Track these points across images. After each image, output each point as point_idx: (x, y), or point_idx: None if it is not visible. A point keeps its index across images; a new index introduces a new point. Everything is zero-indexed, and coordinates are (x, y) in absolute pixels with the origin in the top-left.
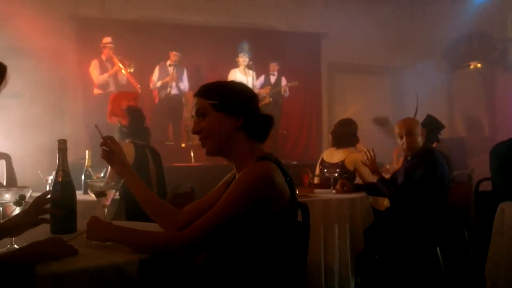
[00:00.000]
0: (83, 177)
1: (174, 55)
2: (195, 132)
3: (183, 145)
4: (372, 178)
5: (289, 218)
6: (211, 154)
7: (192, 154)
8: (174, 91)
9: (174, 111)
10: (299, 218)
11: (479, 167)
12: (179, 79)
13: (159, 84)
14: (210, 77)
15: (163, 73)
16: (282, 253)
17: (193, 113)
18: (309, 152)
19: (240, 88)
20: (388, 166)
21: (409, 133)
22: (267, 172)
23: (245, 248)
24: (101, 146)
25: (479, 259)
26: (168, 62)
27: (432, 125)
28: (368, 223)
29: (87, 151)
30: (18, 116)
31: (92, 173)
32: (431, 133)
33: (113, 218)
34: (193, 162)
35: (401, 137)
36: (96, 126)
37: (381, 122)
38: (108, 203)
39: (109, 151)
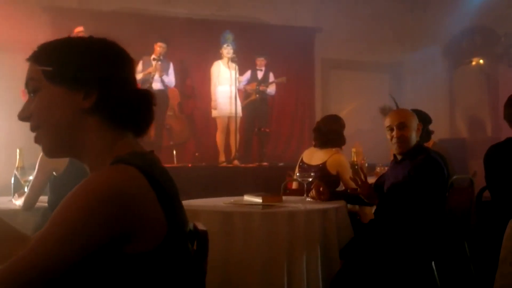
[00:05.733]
0: (12, 180)
1: (159, 47)
2: (21, 117)
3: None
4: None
5: (165, 258)
6: (51, 154)
7: (174, 153)
8: (158, 85)
9: (157, 108)
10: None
11: (482, 170)
12: (163, 72)
13: (140, 76)
14: (196, 72)
15: (147, 68)
16: None
17: (24, 87)
18: (301, 153)
19: (92, 47)
20: (378, 170)
21: (402, 126)
22: (116, 187)
23: None
24: None
25: (481, 277)
26: (153, 56)
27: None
28: (346, 240)
29: (18, 150)
30: None
31: (19, 176)
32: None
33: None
34: (175, 163)
35: (392, 130)
36: None
37: (387, 112)
38: None
39: None
